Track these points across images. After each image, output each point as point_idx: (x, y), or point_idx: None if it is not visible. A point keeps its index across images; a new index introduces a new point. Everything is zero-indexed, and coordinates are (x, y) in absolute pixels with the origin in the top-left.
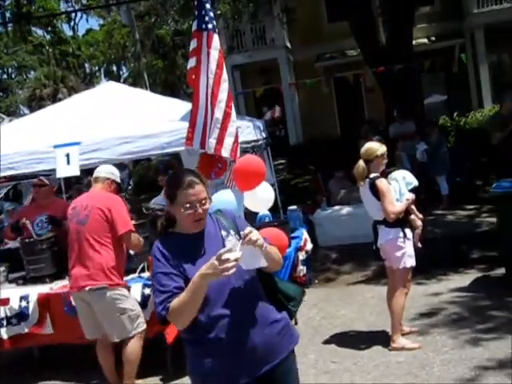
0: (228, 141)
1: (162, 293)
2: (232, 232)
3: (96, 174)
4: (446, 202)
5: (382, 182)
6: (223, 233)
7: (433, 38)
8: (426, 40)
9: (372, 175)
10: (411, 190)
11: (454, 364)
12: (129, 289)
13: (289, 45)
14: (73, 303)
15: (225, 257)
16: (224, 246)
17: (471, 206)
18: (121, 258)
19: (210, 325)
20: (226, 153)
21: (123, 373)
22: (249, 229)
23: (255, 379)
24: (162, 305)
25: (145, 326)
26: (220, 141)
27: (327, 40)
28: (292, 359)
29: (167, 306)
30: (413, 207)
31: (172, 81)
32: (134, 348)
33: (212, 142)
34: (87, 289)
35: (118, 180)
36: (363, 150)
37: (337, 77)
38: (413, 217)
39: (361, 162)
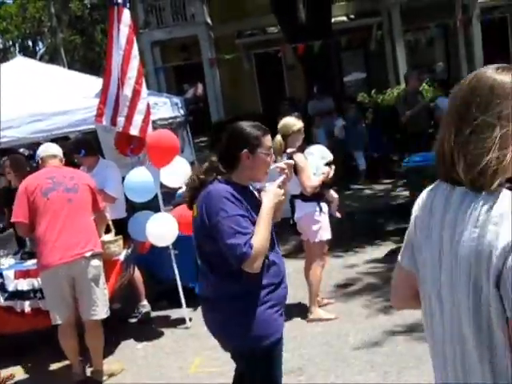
0: (137, 118)
1: (244, 234)
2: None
3: (51, 151)
4: (364, 177)
5: (298, 157)
6: (251, 187)
7: (352, 16)
8: (345, 18)
9: (289, 150)
10: (327, 164)
11: (367, 332)
12: None
13: (209, 21)
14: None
15: (282, 183)
16: (257, 198)
17: (387, 181)
18: None
19: (271, 268)
20: (134, 131)
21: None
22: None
23: None
24: (247, 244)
25: None
26: (129, 118)
27: (248, 16)
28: None
29: (251, 245)
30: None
31: (91, 57)
32: (101, 330)
33: (121, 119)
34: (88, 254)
35: None
36: (280, 125)
37: (258, 54)
38: (331, 191)
39: (278, 137)
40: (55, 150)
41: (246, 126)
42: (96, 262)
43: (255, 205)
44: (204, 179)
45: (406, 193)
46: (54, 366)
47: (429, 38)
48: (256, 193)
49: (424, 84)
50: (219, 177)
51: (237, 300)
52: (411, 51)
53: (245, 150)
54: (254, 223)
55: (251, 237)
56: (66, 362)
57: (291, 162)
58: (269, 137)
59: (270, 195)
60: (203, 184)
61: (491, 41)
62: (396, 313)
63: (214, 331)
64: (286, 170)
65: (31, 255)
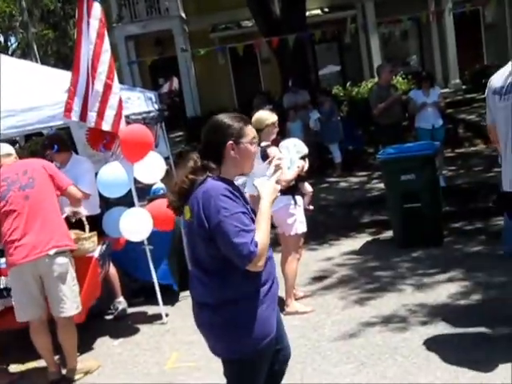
0: (109, 113)
1: (248, 232)
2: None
3: (5, 151)
4: (339, 170)
5: (272, 151)
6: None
7: (326, 9)
8: (319, 11)
9: (263, 144)
10: (302, 158)
11: (343, 324)
12: None
13: (183, 15)
14: None
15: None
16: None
17: (363, 173)
18: None
19: (269, 263)
20: (107, 126)
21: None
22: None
23: None
24: (253, 242)
25: None
26: (100, 114)
27: (222, 10)
28: None
29: (256, 243)
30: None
31: (64, 52)
32: (73, 326)
33: (92, 115)
34: (52, 252)
35: None
36: (254, 119)
37: (232, 47)
38: (306, 184)
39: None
40: (8, 148)
41: (227, 117)
42: (61, 260)
43: (245, 200)
44: (194, 179)
45: (381, 185)
46: (28, 366)
47: (402, 31)
48: (241, 188)
49: (398, 77)
50: (210, 174)
51: (237, 303)
52: (385, 44)
53: (229, 142)
54: (251, 219)
55: (255, 234)
56: (42, 362)
57: (283, 156)
58: (251, 127)
59: (270, 190)
60: (193, 184)
61: (464, 33)
62: (371, 304)
63: (211, 336)
64: (282, 165)
65: (2, 253)
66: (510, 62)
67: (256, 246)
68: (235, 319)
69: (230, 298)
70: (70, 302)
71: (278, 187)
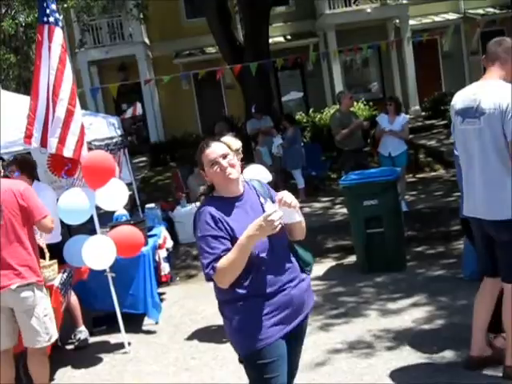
0: (71, 140)
1: (211, 254)
2: (268, 199)
3: None
4: (303, 195)
5: None
6: (262, 200)
7: (289, 37)
8: (282, 38)
9: None
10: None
11: (309, 351)
12: None
13: (147, 41)
14: None
15: (270, 218)
16: (264, 211)
17: (326, 198)
18: (36, 251)
19: (260, 280)
20: (68, 153)
21: None
22: (282, 192)
23: (289, 333)
24: (210, 265)
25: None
26: (62, 140)
27: (186, 37)
28: (308, 318)
29: (214, 266)
30: None
31: (27, 77)
32: (45, 356)
33: (53, 141)
34: (14, 287)
35: None
36: None
37: (196, 74)
38: None
39: None
40: None
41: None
42: (25, 294)
43: (255, 210)
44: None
45: (344, 210)
46: None
47: (363, 59)
48: (267, 200)
49: (359, 103)
50: (210, 194)
51: (228, 304)
52: (347, 71)
53: (201, 171)
54: (235, 238)
55: (218, 257)
56: None
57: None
58: (208, 150)
59: (253, 227)
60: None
61: (423, 61)
62: (337, 330)
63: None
64: (293, 203)
65: None
66: (474, 83)
67: (213, 269)
68: (230, 319)
69: (226, 299)
70: (42, 334)
71: (264, 224)
